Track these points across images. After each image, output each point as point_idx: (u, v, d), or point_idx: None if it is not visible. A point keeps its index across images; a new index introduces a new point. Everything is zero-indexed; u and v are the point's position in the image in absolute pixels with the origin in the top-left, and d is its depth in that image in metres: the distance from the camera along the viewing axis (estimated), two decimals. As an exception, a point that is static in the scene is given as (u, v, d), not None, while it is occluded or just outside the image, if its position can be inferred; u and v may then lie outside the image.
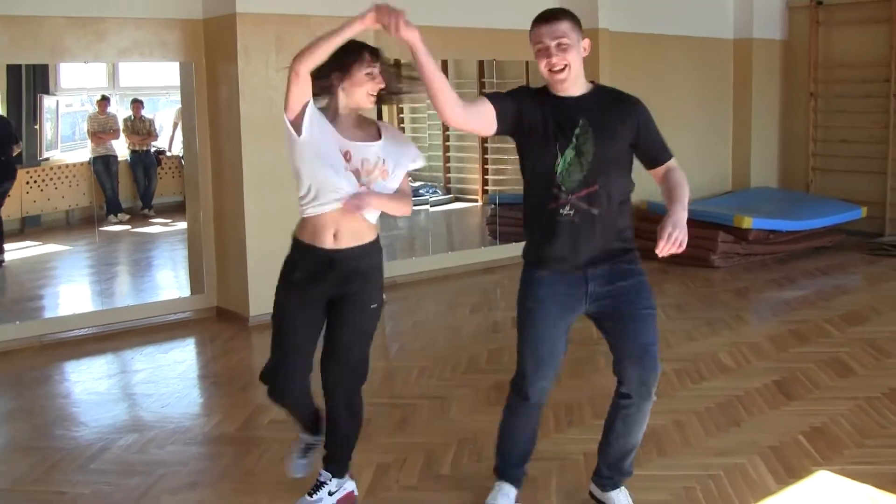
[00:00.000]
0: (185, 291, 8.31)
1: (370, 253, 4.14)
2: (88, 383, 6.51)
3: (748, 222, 9.66)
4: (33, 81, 10.33)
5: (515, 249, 10.14)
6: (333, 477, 4.33)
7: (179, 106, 9.21)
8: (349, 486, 4.43)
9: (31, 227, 10.45)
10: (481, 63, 10.87)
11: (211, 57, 7.82)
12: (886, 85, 11.23)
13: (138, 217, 11.97)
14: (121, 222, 11.69)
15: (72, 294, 9.44)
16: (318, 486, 4.31)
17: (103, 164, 11.41)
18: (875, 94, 11.37)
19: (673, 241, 3.54)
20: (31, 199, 10.84)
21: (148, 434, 5.38)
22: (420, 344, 7.30)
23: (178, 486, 4.67)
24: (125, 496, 4.56)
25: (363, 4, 7.95)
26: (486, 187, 11.74)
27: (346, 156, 3.94)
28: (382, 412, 5.67)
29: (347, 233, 4.05)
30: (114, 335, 7.50)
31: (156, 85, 12.01)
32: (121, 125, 11.69)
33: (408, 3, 9.00)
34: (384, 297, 4.26)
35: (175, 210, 11.58)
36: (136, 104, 11.85)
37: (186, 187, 8.48)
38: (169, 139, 13.05)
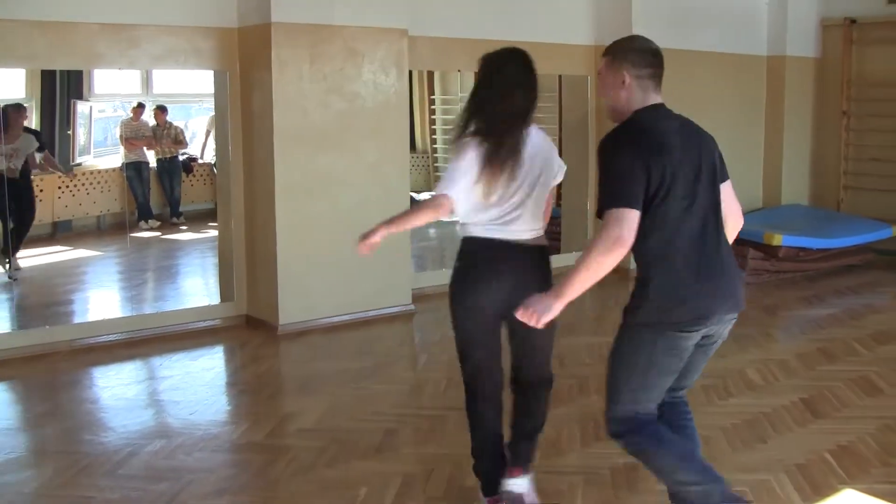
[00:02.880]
0: (215, 299, 8.35)
1: None
2: (117, 389, 6.55)
3: (778, 239, 9.62)
4: (67, 87, 10.42)
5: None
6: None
7: (212, 114, 9.26)
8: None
9: (62, 233, 10.54)
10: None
11: (245, 66, 7.87)
12: (919, 104, 11.18)
13: (169, 224, 12.05)
14: (151, 229, 11.77)
15: (102, 299, 9.52)
16: None
17: (135, 171, 11.50)
18: (907, 114, 11.31)
19: (529, 315, 3.61)
20: (63, 205, 10.93)
21: (176, 440, 5.41)
22: (449, 356, 7.25)
23: (206, 492, 4.69)
24: (152, 502, 4.58)
25: (396, 17, 8.03)
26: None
27: None
28: (410, 423, 5.69)
29: None
30: (143, 341, 7.53)
31: (189, 92, 12.09)
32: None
33: (439, 17, 9.11)
34: None
35: (206, 217, 11.65)
36: (159, 111, 11.92)
37: (218, 195, 8.53)
38: (201, 146, 13.12)
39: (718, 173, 3.77)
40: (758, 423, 5.63)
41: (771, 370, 6.74)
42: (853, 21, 11.70)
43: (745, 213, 9.85)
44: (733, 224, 3.89)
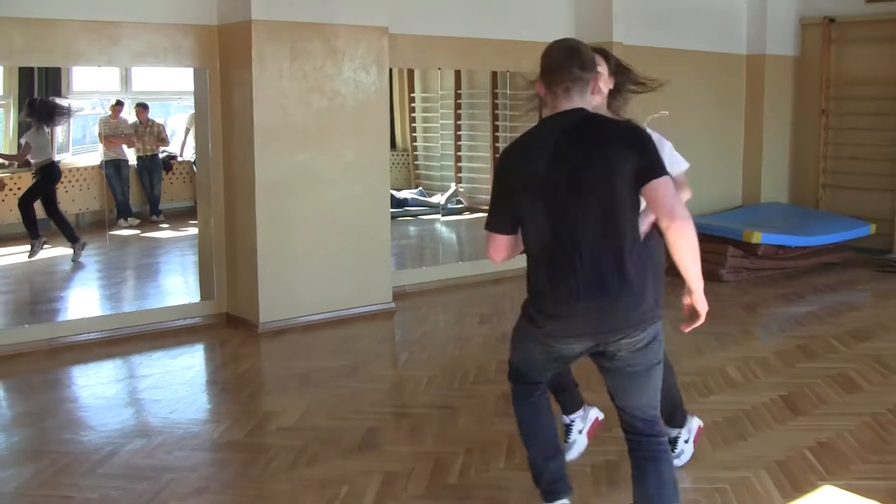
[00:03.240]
0: (195, 297, 8.32)
1: None
2: (97, 388, 6.52)
3: (757, 237, 9.66)
4: (45, 84, 10.38)
5: (525, 261, 10.18)
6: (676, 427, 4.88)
7: (192, 111, 9.23)
8: (694, 423, 5.01)
9: (41, 230, 10.47)
10: (494, 74, 10.91)
11: (225, 63, 7.84)
12: (897, 103, 11.25)
13: (148, 221, 12.01)
14: (131, 227, 11.73)
15: (81, 298, 9.48)
16: (672, 441, 4.78)
17: (114, 168, 11.46)
18: (886, 112, 11.37)
19: None
20: (38, 203, 10.87)
21: (156, 439, 5.39)
22: (429, 354, 7.31)
23: (186, 491, 4.67)
24: (133, 501, 4.56)
25: (377, 15, 8.02)
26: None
27: None
28: (391, 421, 5.69)
29: None
30: (123, 340, 7.50)
31: (168, 90, 12.05)
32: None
33: (420, 15, 9.11)
34: None
35: (186, 215, 11.62)
36: (141, 109, 11.88)
37: (198, 193, 8.50)
38: (181, 144, 13.09)
39: (616, 180, 3.50)
40: (738, 421, 5.64)
41: (751, 367, 6.77)
42: (832, 20, 11.77)
43: (726, 211, 9.84)
44: (666, 227, 3.44)
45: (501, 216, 3.77)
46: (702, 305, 3.60)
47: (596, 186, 3.52)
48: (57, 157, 10.21)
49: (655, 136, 4.05)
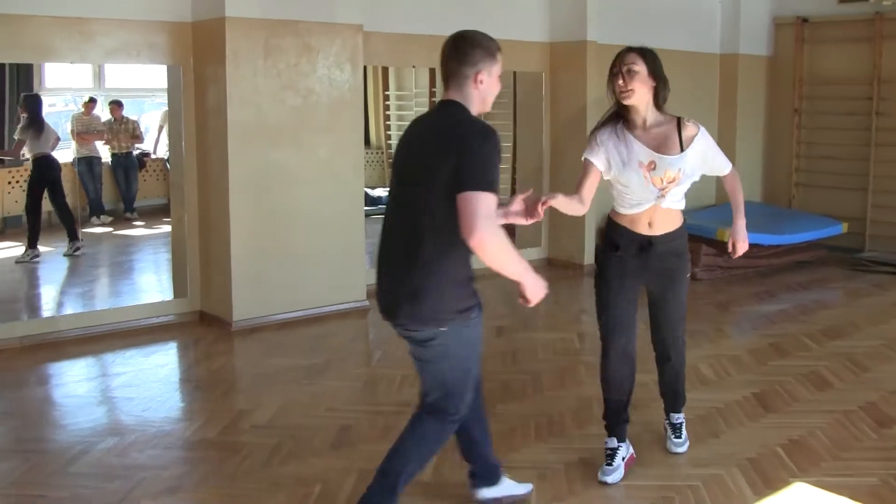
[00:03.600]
0: (168, 295, 8.30)
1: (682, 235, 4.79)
2: (69, 386, 6.49)
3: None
4: (17, 80, 10.33)
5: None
6: (680, 411, 5.21)
7: (165, 108, 9.20)
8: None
9: (12, 228, 10.45)
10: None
11: (199, 60, 7.81)
12: (869, 103, 11.31)
13: (121, 219, 11.96)
14: (104, 224, 11.69)
15: (53, 296, 9.43)
16: (678, 427, 5.17)
17: (87, 166, 11.42)
18: (858, 112, 11.45)
19: None
20: (13, 199, 10.83)
21: (128, 438, 5.37)
22: (402, 352, 7.19)
23: (159, 490, 4.66)
24: (105, 500, 4.54)
25: (352, 12, 8.01)
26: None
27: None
28: (365, 419, 5.68)
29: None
30: (95, 338, 7.46)
31: (142, 87, 12.01)
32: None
33: (394, 13, 9.10)
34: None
35: (159, 212, 11.59)
36: (115, 105, 11.83)
37: (172, 191, 8.47)
38: (154, 141, 13.05)
39: (430, 175, 3.63)
40: (710, 418, 5.67)
41: (723, 365, 6.80)
42: (805, 20, 11.83)
43: (699, 210, 9.90)
44: (467, 240, 3.47)
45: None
46: (534, 296, 3.76)
47: (415, 176, 3.72)
48: (29, 155, 10.16)
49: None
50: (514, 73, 10.57)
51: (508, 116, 11.39)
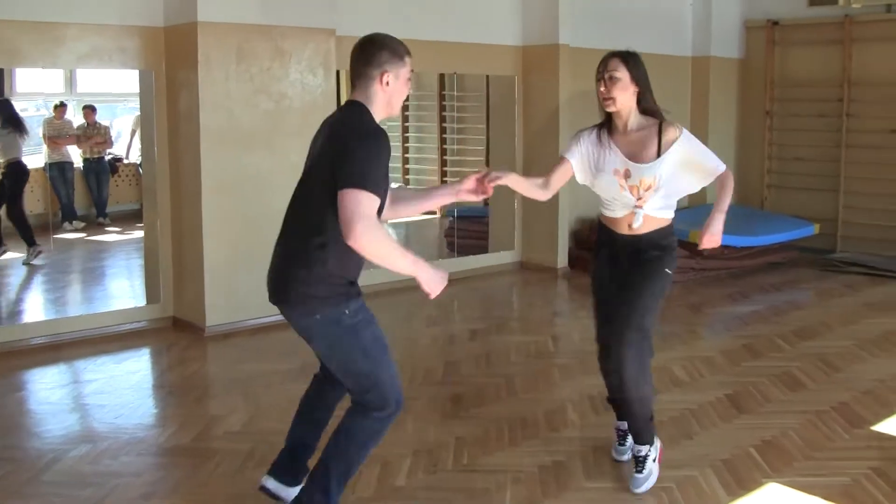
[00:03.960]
0: (141, 301, 8.25)
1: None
2: (41, 393, 6.45)
3: (703, 238, 9.70)
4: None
5: (473, 262, 10.23)
6: (646, 444, 4.69)
7: (137, 113, 9.16)
8: (657, 443, 4.81)
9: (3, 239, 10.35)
10: (442, 76, 10.92)
11: (171, 65, 7.79)
12: (839, 104, 11.40)
13: (94, 225, 11.89)
14: (76, 230, 11.62)
15: (25, 302, 9.37)
16: (642, 460, 4.69)
17: (59, 171, 11.35)
18: (828, 114, 11.54)
19: None
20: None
21: (101, 445, 5.34)
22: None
23: (132, 497, 4.64)
24: (78, 507, 4.53)
25: (324, 17, 8.00)
26: (444, 199, 11.76)
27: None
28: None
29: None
30: (67, 344, 7.42)
31: (114, 92, 11.94)
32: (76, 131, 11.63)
33: (367, 17, 9.09)
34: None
35: (132, 218, 11.52)
36: (88, 110, 11.77)
37: (144, 196, 8.44)
38: (126, 146, 12.98)
39: (316, 174, 3.85)
40: (684, 420, 5.69)
41: (696, 367, 6.83)
42: (775, 23, 11.91)
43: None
44: (346, 237, 3.56)
45: None
46: (431, 288, 3.86)
47: (309, 173, 3.94)
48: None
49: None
50: (487, 76, 10.60)
51: (482, 120, 11.40)
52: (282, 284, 4.00)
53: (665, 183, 4.58)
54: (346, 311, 3.85)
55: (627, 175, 4.53)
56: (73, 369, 7.01)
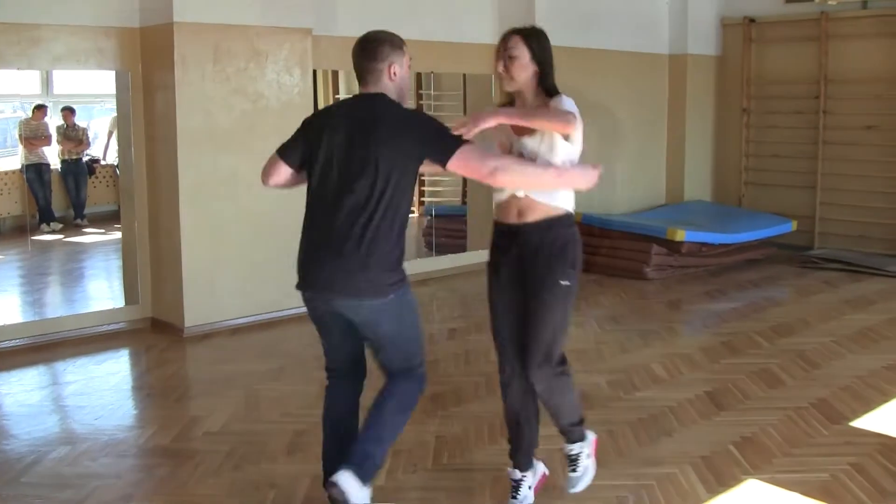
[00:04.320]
0: (120, 302, 8.22)
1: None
2: (19, 395, 6.42)
3: (681, 235, 9.76)
4: (-38, 88, 10.18)
5: (452, 261, 10.23)
6: (576, 442, 4.48)
7: (114, 114, 9.12)
8: (590, 436, 4.56)
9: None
10: (419, 75, 10.91)
11: (147, 66, 7.76)
12: (816, 101, 11.44)
13: (71, 226, 11.84)
14: (53, 231, 11.57)
15: (2, 304, 9.32)
16: (574, 459, 4.49)
17: (36, 173, 11.29)
18: (805, 111, 11.57)
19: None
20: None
21: (81, 446, 5.32)
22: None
23: (112, 499, 4.62)
24: (57, 509, 4.52)
25: (300, 16, 7.99)
26: (422, 199, 11.78)
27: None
28: (318, 424, 5.65)
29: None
30: (46, 346, 7.39)
31: (90, 93, 11.90)
32: (53, 133, 11.58)
33: (344, 16, 9.09)
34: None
35: (109, 219, 11.48)
36: (67, 112, 11.72)
37: (122, 197, 8.40)
38: (104, 148, 12.93)
39: (369, 167, 3.91)
40: (663, 417, 5.71)
41: (675, 364, 6.85)
42: (752, 20, 11.95)
43: (650, 210, 9.96)
44: None
45: (291, 147, 4.45)
46: (588, 182, 4.07)
47: (356, 166, 4.00)
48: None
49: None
50: (464, 75, 10.60)
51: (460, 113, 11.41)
52: (352, 281, 4.02)
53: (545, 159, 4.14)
54: (408, 283, 4.04)
55: (508, 149, 4.26)
56: (52, 371, 6.98)
